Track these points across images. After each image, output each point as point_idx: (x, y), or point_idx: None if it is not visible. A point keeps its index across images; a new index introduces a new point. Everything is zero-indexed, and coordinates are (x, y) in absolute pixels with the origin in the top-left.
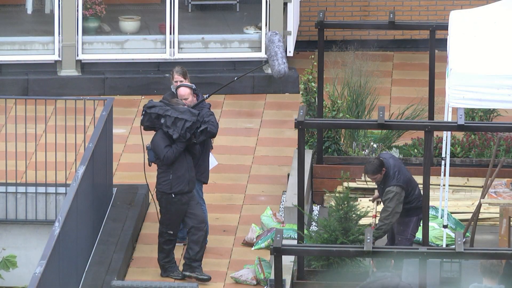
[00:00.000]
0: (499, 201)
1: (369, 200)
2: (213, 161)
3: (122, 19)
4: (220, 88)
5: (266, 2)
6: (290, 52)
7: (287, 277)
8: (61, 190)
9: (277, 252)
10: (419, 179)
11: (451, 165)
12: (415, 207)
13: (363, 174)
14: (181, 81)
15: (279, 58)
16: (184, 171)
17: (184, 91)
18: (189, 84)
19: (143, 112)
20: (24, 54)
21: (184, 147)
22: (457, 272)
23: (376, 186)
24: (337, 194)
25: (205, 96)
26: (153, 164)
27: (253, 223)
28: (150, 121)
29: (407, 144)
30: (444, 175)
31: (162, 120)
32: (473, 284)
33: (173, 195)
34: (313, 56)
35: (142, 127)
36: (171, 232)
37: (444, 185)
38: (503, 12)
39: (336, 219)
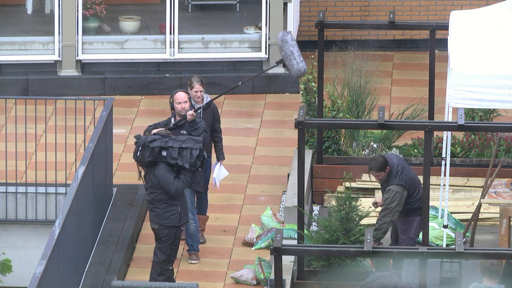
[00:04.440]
0: (499, 201)
1: (372, 204)
2: (224, 171)
3: (122, 19)
4: (223, 93)
5: (266, 2)
6: None
7: (287, 277)
8: (61, 190)
9: (277, 252)
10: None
11: (451, 165)
12: (418, 207)
13: (368, 172)
14: (201, 91)
15: (296, 57)
16: (187, 201)
17: (182, 95)
18: (185, 90)
19: (139, 148)
20: (24, 54)
21: (191, 176)
22: (457, 272)
23: (377, 186)
24: (338, 195)
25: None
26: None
27: (253, 223)
28: (153, 155)
29: (407, 144)
30: (444, 175)
31: (164, 153)
32: (473, 284)
33: (181, 228)
34: (313, 56)
35: (141, 163)
36: (172, 268)
37: (444, 185)
38: (505, 14)
39: (338, 219)
